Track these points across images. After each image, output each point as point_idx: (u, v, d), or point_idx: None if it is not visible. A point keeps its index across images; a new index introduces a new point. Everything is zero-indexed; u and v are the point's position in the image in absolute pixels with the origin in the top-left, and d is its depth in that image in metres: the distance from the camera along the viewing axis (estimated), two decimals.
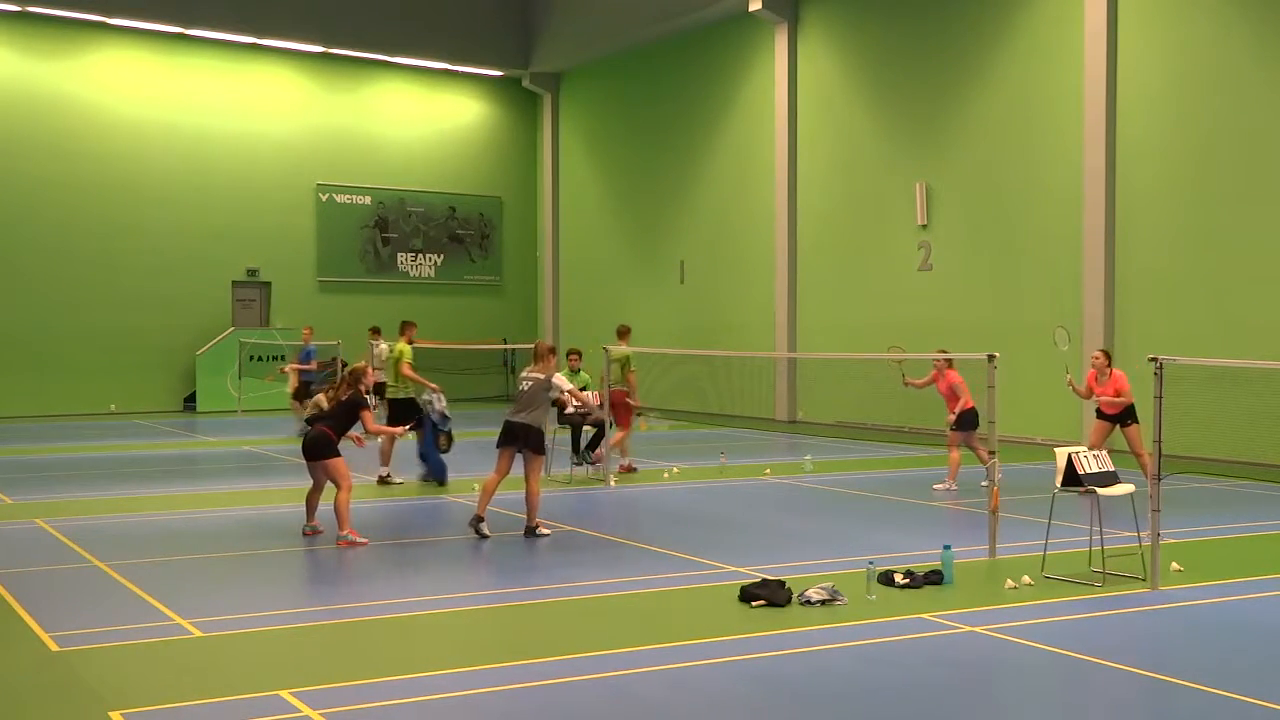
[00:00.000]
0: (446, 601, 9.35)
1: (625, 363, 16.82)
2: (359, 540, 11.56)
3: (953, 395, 15.41)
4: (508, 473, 12.13)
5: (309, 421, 12.49)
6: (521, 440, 11.95)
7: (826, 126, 25.33)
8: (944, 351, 15.75)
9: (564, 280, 33.94)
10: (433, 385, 15.89)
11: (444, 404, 15.67)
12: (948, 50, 22.75)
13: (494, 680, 7.20)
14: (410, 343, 16.32)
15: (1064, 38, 20.58)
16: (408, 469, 16.25)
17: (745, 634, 8.24)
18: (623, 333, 17.41)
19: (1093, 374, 14.92)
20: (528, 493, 12.07)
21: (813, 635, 8.23)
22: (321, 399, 22.96)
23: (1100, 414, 14.89)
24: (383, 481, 15.84)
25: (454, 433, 15.85)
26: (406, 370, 16.01)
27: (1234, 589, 9.78)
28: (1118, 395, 14.52)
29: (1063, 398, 20.28)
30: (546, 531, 12.09)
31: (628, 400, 16.88)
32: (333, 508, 11.67)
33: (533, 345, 13.00)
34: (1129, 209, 19.65)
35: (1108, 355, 14.92)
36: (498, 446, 12.16)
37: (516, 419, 12.03)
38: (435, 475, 15.86)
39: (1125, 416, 14.62)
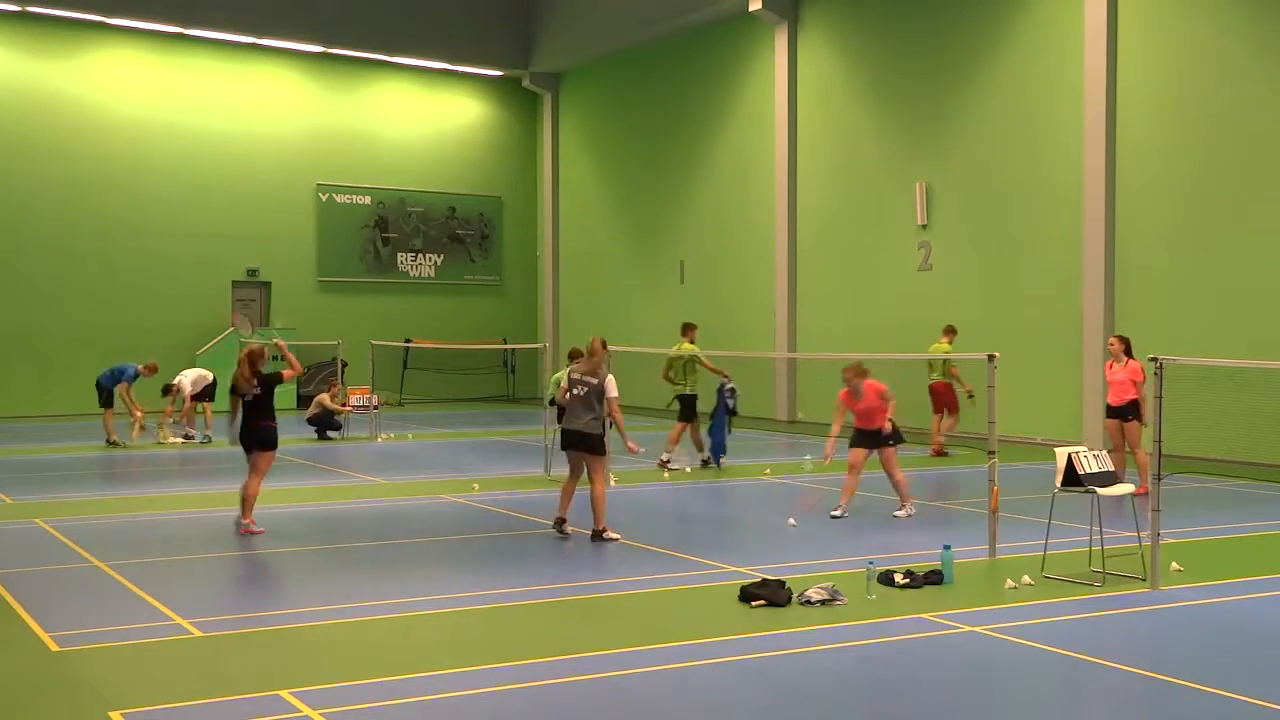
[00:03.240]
0: (446, 601, 9.34)
1: (947, 360, 18.99)
2: (256, 529, 12.11)
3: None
4: (580, 474, 12.13)
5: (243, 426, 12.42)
6: (582, 445, 11.87)
7: (826, 126, 25.32)
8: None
9: (564, 280, 33.92)
10: (724, 372, 17.91)
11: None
12: (947, 50, 22.74)
13: (494, 680, 7.20)
14: (693, 342, 18.00)
15: (1064, 37, 20.58)
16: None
17: (745, 634, 8.24)
18: (948, 331, 19.28)
19: (1110, 362, 14.84)
20: (592, 496, 11.94)
21: (813, 635, 8.23)
22: (325, 399, 23.09)
23: (1109, 410, 14.78)
24: (663, 465, 17.43)
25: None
26: (709, 364, 17.95)
27: (1234, 589, 9.78)
28: (1133, 383, 14.37)
29: (1062, 398, 20.31)
30: (615, 536, 11.76)
31: (953, 389, 19.18)
32: (245, 492, 12.28)
33: (587, 343, 12.32)
34: (1129, 208, 19.64)
35: (1124, 341, 14.75)
36: (563, 449, 12.18)
37: (572, 426, 11.91)
38: (715, 456, 17.53)
39: (1130, 410, 14.52)
